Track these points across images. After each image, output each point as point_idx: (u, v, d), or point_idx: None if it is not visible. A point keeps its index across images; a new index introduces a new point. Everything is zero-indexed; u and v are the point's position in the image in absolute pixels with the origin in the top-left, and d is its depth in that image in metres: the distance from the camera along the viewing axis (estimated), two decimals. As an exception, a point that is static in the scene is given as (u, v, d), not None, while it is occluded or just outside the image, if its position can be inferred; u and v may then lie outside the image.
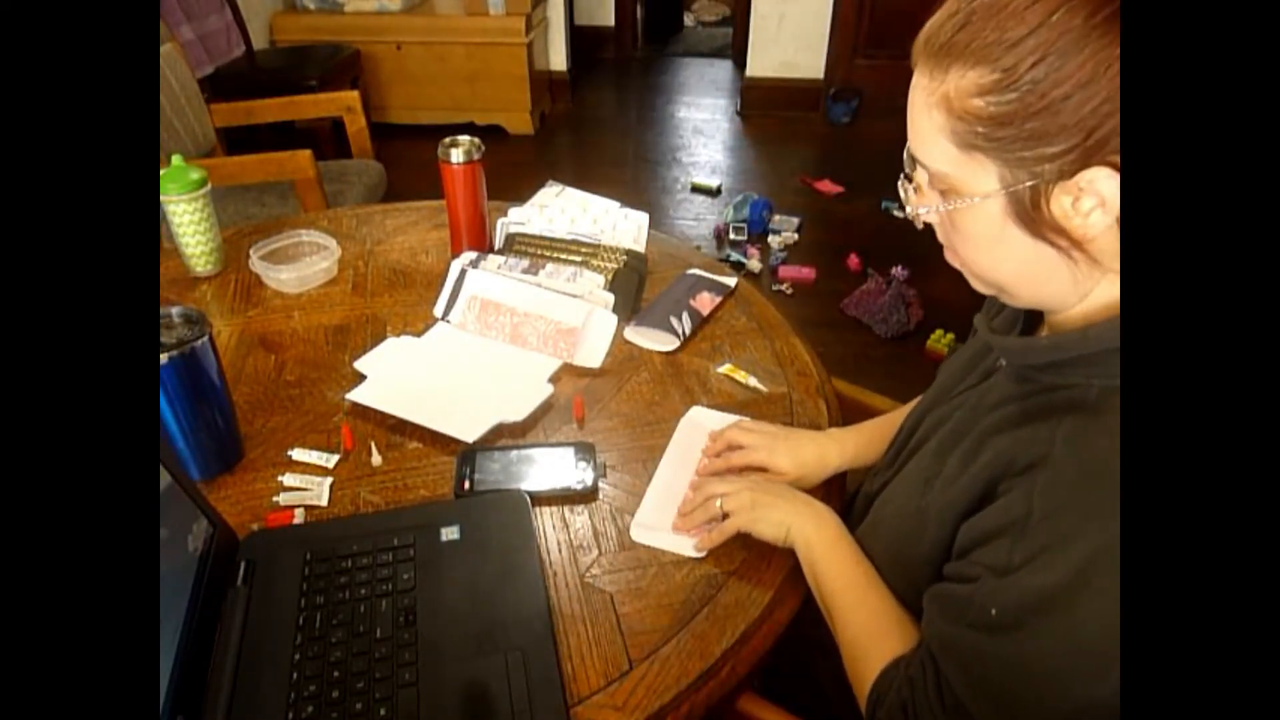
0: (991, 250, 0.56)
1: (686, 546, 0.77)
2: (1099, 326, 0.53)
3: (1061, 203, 0.50)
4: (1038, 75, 0.48)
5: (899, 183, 0.60)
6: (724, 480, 0.79)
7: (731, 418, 0.92)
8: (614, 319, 1.06)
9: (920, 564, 0.64)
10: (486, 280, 1.09)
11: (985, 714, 0.54)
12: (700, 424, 0.92)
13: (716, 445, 0.87)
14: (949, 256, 0.60)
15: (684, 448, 0.89)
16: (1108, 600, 0.48)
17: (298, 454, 0.87)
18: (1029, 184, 0.51)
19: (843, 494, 0.87)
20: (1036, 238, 0.52)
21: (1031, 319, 0.65)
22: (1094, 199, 0.49)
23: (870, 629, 0.66)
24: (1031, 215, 0.52)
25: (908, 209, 0.60)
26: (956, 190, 0.54)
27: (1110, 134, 0.47)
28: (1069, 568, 0.49)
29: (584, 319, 1.03)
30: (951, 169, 0.54)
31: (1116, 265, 0.53)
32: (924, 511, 0.64)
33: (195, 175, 1.14)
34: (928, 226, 0.61)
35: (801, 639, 0.82)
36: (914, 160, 0.57)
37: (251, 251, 1.17)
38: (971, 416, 0.64)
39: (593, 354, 1.02)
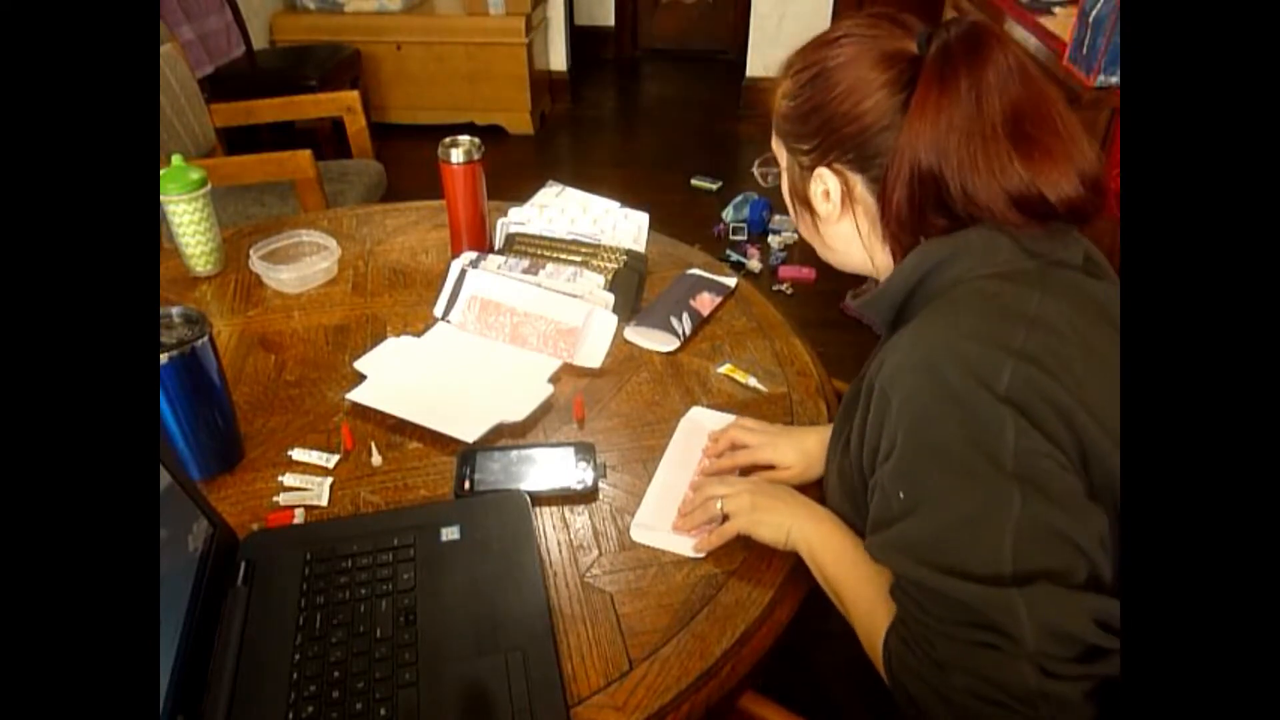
0: (792, 210, 0.76)
1: (686, 547, 0.77)
2: (922, 249, 0.65)
3: (814, 189, 0.71)
4: (807, 92, 0.68)
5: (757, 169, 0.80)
6: (725, 481, 0.79)
7: (730, 417, 0.92)
8: (614, 319, 1.06)
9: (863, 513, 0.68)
10: (486, 280, 1.09)
11: (950, 590, 0.56)
12: (700, 424, 0.92)
13: (719, 445, 0.88)
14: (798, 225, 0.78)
15: (684, 448, 0.89)
16: (962, 443, 0.56)
17: (298, 454, 0.87)
18: (796, 170, 0.72)
19: None
20: (804, 209, 0.73)
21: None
22: (830, 193, 0.69)
23: (876, 603, 0.67)
24: (799, 192, 0.73)
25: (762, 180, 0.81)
26: (776, 163, 0.76)
27: (832, 145, 0.67)
28: (913, 413, 0.59)
29: (584, 319, 1.03)
30: (773, 147, 0.76)
31: (856, 240, 0.71)
32: (843, 471, 0.71)
33: (195, 175, 1.14)
34: None
35: (801, 630, 0.82)
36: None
37: (251, 251, 1.17)
38: (864, 382, 0.71)
39: (593, 354, 1.02)
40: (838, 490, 0.74)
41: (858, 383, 0.72)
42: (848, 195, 0.69)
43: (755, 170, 0.80)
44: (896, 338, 0.64)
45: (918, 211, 0.64)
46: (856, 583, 0.69)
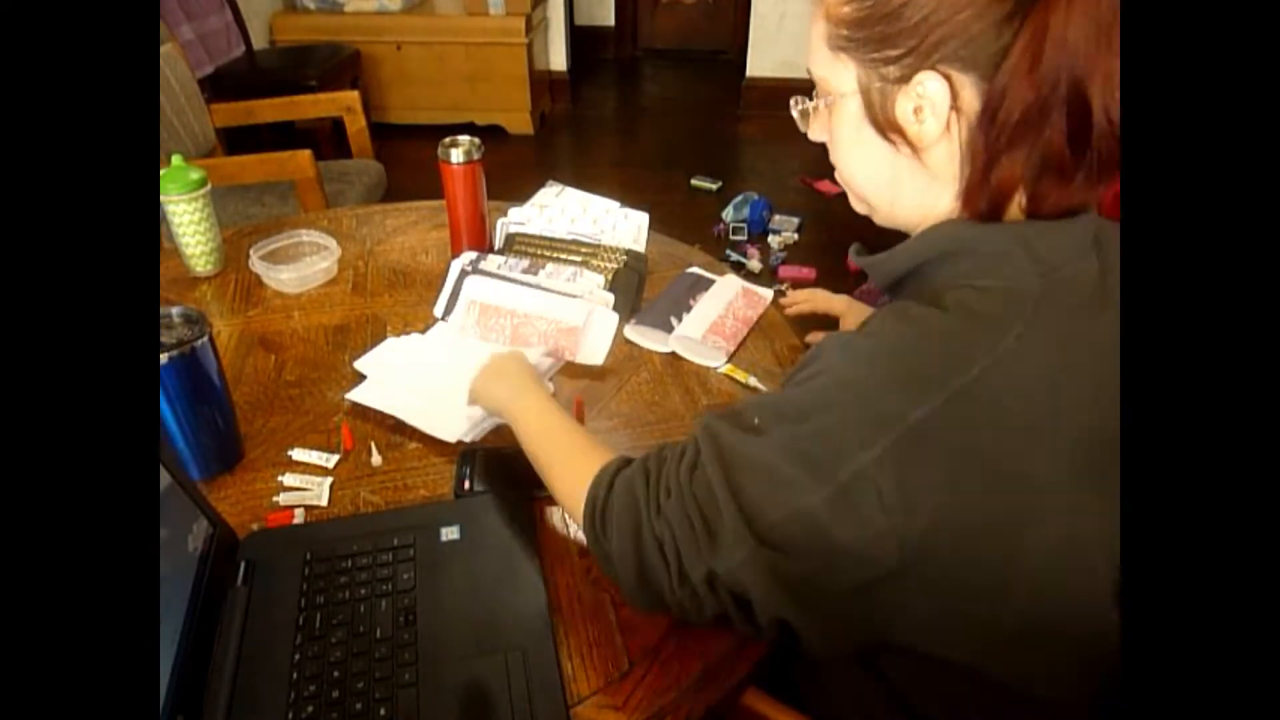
0: (850, 151, 0.62)
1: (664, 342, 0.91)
2: (934, 229, 0.59)
3: (904, 107, 0.56)
4: None
5: (794, 108, 0.67)
6: (495, 355, 0.89)
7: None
8: (615, 317, 1.06)
9: None
10: (485, 285, 1.08)
11: (719, 495, 0.56)
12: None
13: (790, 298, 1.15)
14: (837, 176, 0.67)
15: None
16: (837, 420, 0.52)
17: (298, 454, 0.87)
18: (878, 85, 0.57)
19: None
20: (884, 139, 0.59)
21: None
22: (929, 107, 0.55)
23: (575, 453, 0.71)
24: (880, 117, 0.58)
25: (800, 124, 0.68)
26: (828, 92, 0.62)
27: (938, 42, 0.53)
28: (817, 387, 0.55)
29: (585, 317, 1.03)
30: (825, 71, 0.61)
31: (950, 175, 0.58)
32: None
33: (195, 175, 1.14)
34: None
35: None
36: (811, 86, 0.65)
37: (251, 251, 1.17)
38: None
39: (594, 352, 1.02)
40: None
41: None
42: (955, 106, 0.55)
43: (795, 111, 0.66)
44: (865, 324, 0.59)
45: (1033, 129, 0.52)
46: (558, 444, 0.73)
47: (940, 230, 0.58)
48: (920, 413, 0.49)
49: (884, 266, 0.63)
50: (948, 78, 0.53)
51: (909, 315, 0.55)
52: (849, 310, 1.10)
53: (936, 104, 0.54)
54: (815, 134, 0.67)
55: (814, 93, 0.65)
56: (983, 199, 0.56)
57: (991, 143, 0.54)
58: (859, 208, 0.68)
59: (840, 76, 0.60)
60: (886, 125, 0.58)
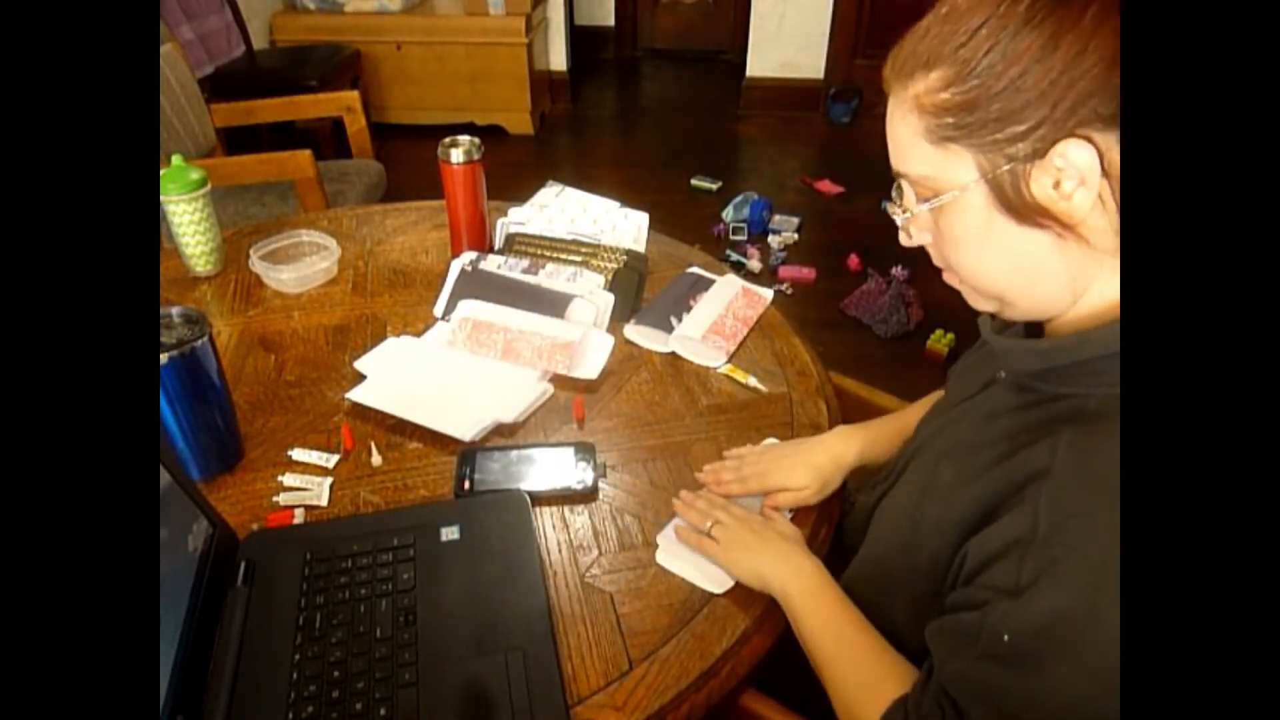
0: (981, 247, 0.55)
1: (711, 580, 0.74)
2: (1098, 330, 0.52)
3: (1042, 184, 0.50)
4: (994, 58, 0.49)
5: (887, 209, 0.61)
6: (725, 506, 0.79)
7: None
8: (610, 340, 1.04)
9: (916, 578, 0.63)
10: (479, 305, 1.07)
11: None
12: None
13: (720, 474, 0.84)
14: (947, 277, 0.60)
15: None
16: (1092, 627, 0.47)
17: (298, 454, 0.87)
18: (1006, 168, 0.51)
19: (840, 504, 0.86)
20: (1025, 224, 0.52)
21: (1033, 331, 0.64)
22: (1074, 178, 0.49)
23: (861, 675, 0.64)
24: (1015, 201, 0.51)
25: (901, 235, 0.60)
26: (939, 190, 0.54)
27: (1075, 104, 0.47)
28: (1079, 582, 0.48)
29: (579, 337, 1.01)
30: (931, 168, 0.54)
31: (1111, 246, 0.52)
32: (918, 524, 0.63)
33: (195, 175, 1.14)
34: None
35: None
36: (899, 182, 0.58)
37: (251, 251, 1.17)
38: (969, 428, 0.64)
39: (590, 368, 1.00)
40: (890, 536, 0.68)
41: (942, 410, 0.66)
42: (1104, 170, 0.48)
43: (899, 218, 0.59)
44: (1078, 437, 0.51)
45: None
46: (839, 654, 0.66)
47: (1111, 330, 0.51)
48: None
49: (1032, 361, 0.57)
50: (1090, 140, 0.48)
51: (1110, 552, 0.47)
52: (813, 483, 0.83)
53: (1086, 173, 0.48)
54: (917, 238, 0.59)
55: (898, 190, 0.59)
56: None
57: None
58: (984, 305, 0.60)
59: (953, 169, 0.53)
60: (1026, 209, 0.51)
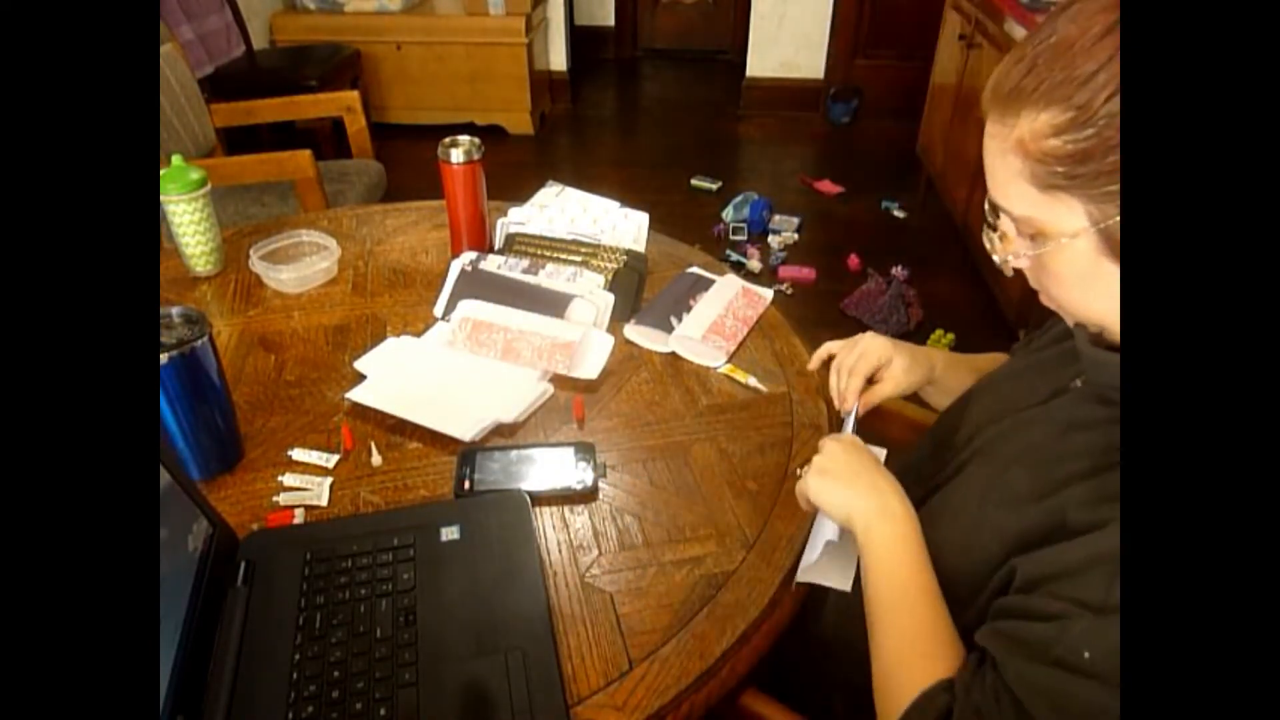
0: (1086, 287, 0.54)
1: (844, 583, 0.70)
2: None
3: None
4: (1113, 108, 0.47)
5: (983, 232, 0.59)
6: (839, 439, 0.74)
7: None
8: (610, 340, 1.04)
9: (967, 577, 0.62)
10: (479, 305, 1.07)
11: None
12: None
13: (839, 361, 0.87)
14: (1042, 298, 0.59)
15: None
16: None
17: (298, 454, 0.87)
18: (1117, 220, 0.49)
19: None
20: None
21: None
22: None
23: (914, 643, 0.61)
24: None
25: (995, 258, 0.59)
26: (1044, 233, 0.53)
27: None
28: None
29: (580, 337, 1.02)
30: (1035, 212, 0.53)
31: None
32: (980, 526, 0.62)
33: (195, 175, 1.14)
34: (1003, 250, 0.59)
35: (810, 639, 0.82)
36: (995, 208, 0.57)
37: (251, 251, 1.17)
38: (1045, 436, 0.62)
39: (590, 368, 1.00)
40: (948, 536, 0.65)
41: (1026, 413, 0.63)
42: None
43: (996, 252, 0.58)
44: None
45: None
46: (898, 614, 0.62)
47: None
48: None
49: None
50: None
51: None
52: (895, 353, 0.89)
53: None
54: (1014, 264, 0.58)
55: (994, 214, 0.57)
56: None
57: None
58: (1085, 326, 0.60)
59: (1060, 217, 0.52)
60: None
